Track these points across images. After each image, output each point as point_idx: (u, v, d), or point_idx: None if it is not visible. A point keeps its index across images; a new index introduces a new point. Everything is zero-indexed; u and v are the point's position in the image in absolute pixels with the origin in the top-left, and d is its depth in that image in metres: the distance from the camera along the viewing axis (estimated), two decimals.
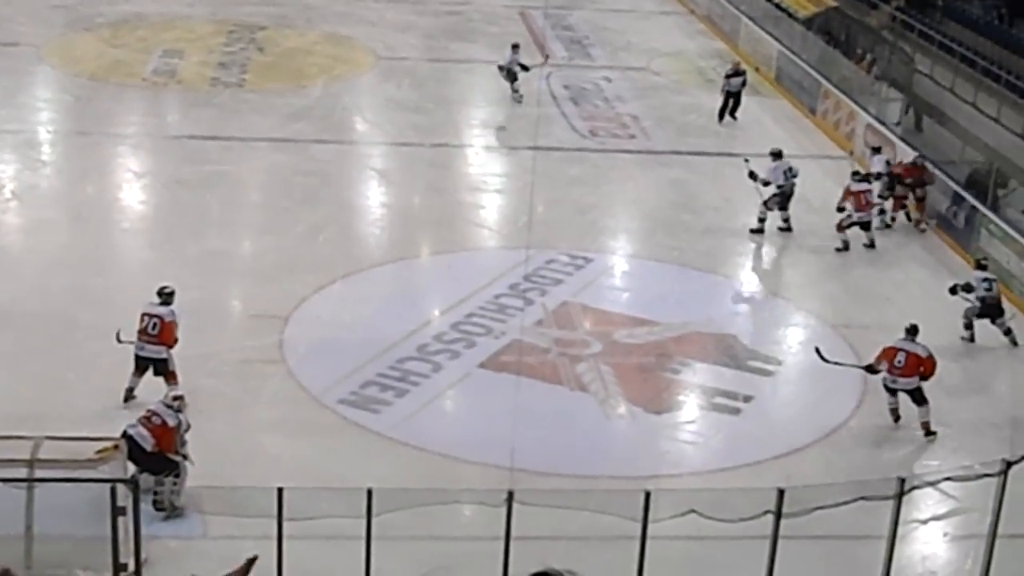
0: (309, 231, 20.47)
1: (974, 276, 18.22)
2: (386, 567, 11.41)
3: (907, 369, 15.44)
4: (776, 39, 31.02)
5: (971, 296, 17.96)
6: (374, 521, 11.00)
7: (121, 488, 11.03)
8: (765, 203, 21.21)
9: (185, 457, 13.17)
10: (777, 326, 18.59)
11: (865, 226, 20.85)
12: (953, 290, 18.07)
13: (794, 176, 21.38)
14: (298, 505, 10.97)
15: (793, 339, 18.27)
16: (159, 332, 15.02)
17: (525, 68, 27.01)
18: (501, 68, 27.21)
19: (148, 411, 13.32)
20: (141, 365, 15.08)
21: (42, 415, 14.20)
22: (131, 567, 10.66)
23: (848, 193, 20.92)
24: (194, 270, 18.70)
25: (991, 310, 17.99)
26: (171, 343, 15.06)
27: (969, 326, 17.98)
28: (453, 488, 13.12)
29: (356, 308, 18.10)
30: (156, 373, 15.08)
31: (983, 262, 18.63)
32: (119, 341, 15.01)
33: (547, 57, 28.87)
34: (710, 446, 15.36)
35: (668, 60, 31.88)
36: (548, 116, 26.16)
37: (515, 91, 26.95)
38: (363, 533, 11.01)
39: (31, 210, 21.10)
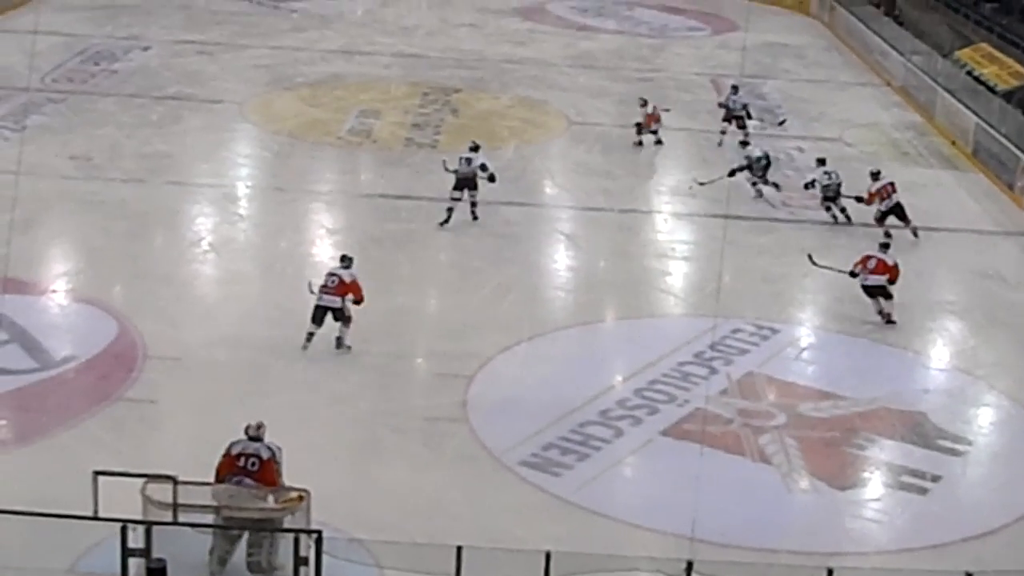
0: (496, 292, 20.64)
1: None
2: None
3: (876, 270, 19.87)
4: (974, 112, 30.42)
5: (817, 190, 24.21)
6: None
7: (303, 539, 11.19)
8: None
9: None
10: (968, 405, 18.10)
11: None
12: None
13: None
14: (476, 564, 10.99)
15: (985, 419, 17.78)
16: (336, 286, 18.04)
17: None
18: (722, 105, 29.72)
19: (245, 456, 13.12)
20: (319, 314, 18.02)
21: None
22: None
23: None
24: (382, 326, 18.97)
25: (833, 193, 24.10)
26: (359, 297, 18.14)
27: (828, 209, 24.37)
28: (632, 555, 13.02)
29: (540, 370, 18.14)
30: (335, 319, 18.06)
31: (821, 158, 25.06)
32: (312, 292, 18.09)
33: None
34: (895, 525, 14.98)
35: (861, 131, 31.49)
36: (738, 184, 26.00)
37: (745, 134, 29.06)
38: None
39: (227, 262, 21.64)
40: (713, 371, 18.17)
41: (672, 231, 24.39)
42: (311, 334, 18.02)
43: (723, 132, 29.05)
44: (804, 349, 19.71)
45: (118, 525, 10.42)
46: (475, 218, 23.31)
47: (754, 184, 25.57)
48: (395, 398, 17.03)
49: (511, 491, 15.05)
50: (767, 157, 25.61)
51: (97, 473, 13.02)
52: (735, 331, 19.46)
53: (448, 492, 14.90)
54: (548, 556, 10.87)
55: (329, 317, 18.09)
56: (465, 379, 17.47)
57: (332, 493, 13.64)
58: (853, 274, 19.97)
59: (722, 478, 15.27)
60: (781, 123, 30.78)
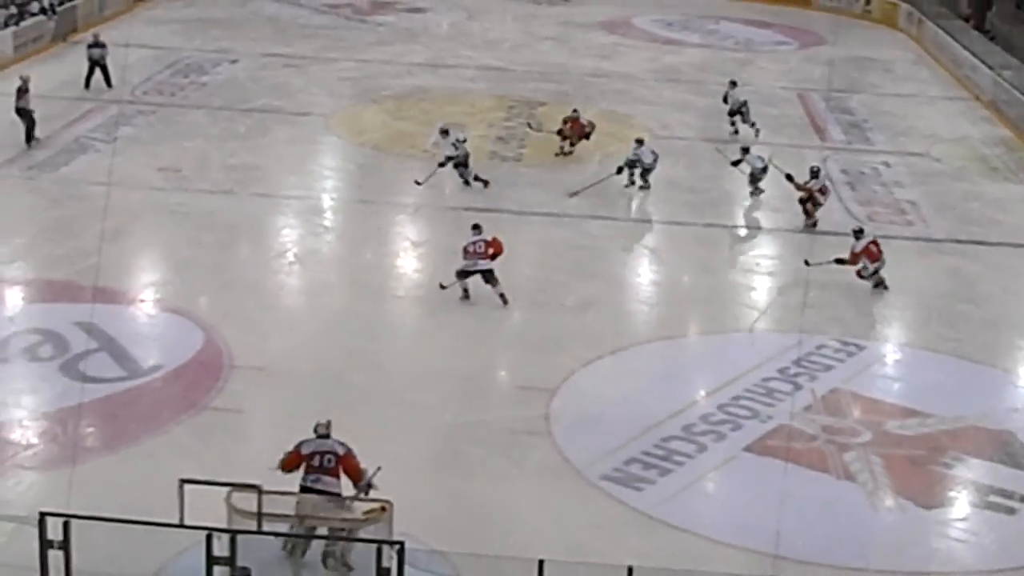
0: (579, 305, 20.65)
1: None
2: None
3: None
4: None
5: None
6: None
7: (386, 550, 11.23)
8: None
9: (370, 486, 13.19)
10: None
11: None
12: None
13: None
14: None
15: None
16: (484, 249, 20.17)
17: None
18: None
19: (320, 454, 13.32)
20: (463, 276, 20.16)
21: None
22: None
23: None
24: (465, 339, 19.08)
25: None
26: (501, 251, 20.25)
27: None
28: (714, 571, 12.96)
29: (623, 384, 18.11)
30: (486, 281, 20.10)
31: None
32: (443, 287, 20.10)
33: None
34: (983, 545, 14.78)
35: (950, 146, 31.15)
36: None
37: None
38: None
39: (312, 273, 21.81)
40: (797, 387, 18.05)
41: (757, 246, 24.28)
42: (465, 290, 20.27)
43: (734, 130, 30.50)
44: (890, 366, 19.54)
45: (203, 533, 10.51)
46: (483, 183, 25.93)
47: (641, 187, 26.30)
48: (478, 410, 17.09)
49: (593, 505, 15.03)
50: (652, 164, 26.22)
51: (183, 481, 13.15)
52: (820, 347, 19.32)
53: (530, 505, 14.92)
54: (630, 571, 10.84)
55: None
56: (548, 392, 17.48)
57: (414, 504, 13.71)
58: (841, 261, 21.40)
59: (806, 495, 15.18)
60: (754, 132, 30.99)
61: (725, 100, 30.88)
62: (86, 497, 13.04)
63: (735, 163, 26.31)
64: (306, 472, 13.36)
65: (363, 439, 15.83)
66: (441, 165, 25.58)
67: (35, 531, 10.04)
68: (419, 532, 13.21)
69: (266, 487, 12.83)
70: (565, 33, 42.15)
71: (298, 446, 13.55)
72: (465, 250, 20.33)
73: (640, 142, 26.57)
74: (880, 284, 21.60)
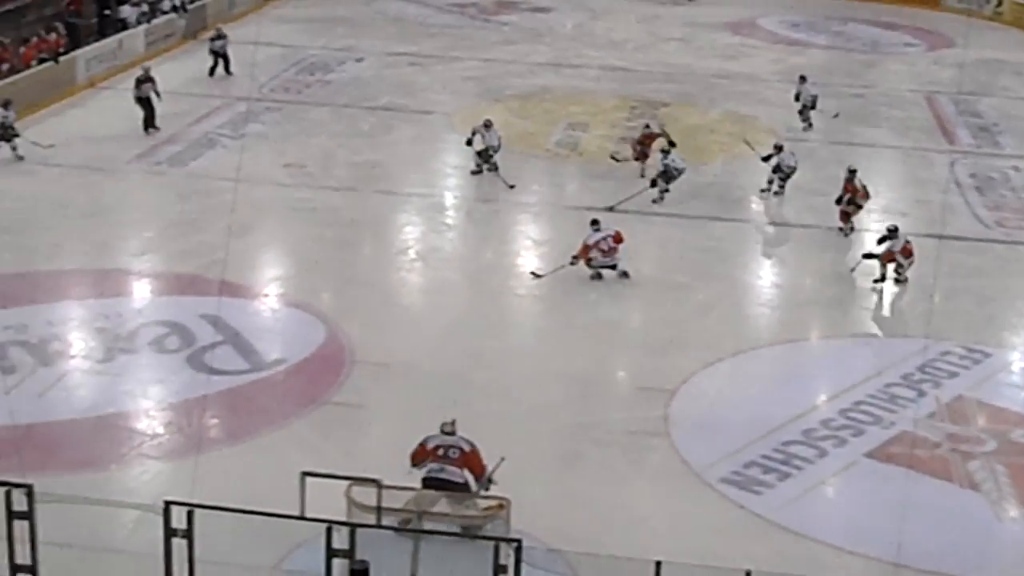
0: (700, 307, 20.54)
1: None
2: None
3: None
4: None
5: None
6: None
7: (503, 547, 11.24)
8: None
9: (490, 480, 13.49)
10: None
11: None
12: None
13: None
14: None
15: None
16: (612, 245, 21.24)
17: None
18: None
19: (444, 447, 13.67)
20: (598, 276, 21.20)
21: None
22: None
23: None
24: (585, 339, 19.06)
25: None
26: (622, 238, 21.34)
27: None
28: None
29: (743, 387, 17.98)
30: (614, 268, 21.32)
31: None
32: (536, 276, 20.95)
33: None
34: None
35: None
36: (951, 204, 25.47)
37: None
38: None
39: (433, 271, 21.93)
40: (921, 393, 17.79)
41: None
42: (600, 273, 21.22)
43: (806, 123, 30.77)
44: (1016, 374, 19.18)
45: (323, 526, 10.60)
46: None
47: (776, 192, 26.08)
48: (596, 411, 17.07)
49: (711, 508, 14.96)
50: (793, 168, 25.94)
51: (304, 474, 13.31)
52: (945, 353, 19.02)
53: (647, 506, 14.89)
54: (748, 575, 10.75)
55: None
56: (667, 393, 17.42)
57: (532, 503, 13.74)
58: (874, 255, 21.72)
59: (928, 503, 14.95)
60: (835, 116, 31.41)
61: (797, 98, 30.89)
62: (209, 487, 13.23)
63: (765, 159, 26.06)
64: (432, 460, 13.73)
65: (482, 437, 15.90)
66: (481, 156, 26.30)
67: (159, 519, 10.19)
68: (536, 531, 13.24)
69: (386, 482, 12.94)
70: (690, 33, 41.93)
71: (423, 441, 13.86)
72: (597, 247, 21.17)
73: (779, 148, 26.23)
74: (901, 280, 21.66)
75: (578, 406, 17.19)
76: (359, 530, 10.68)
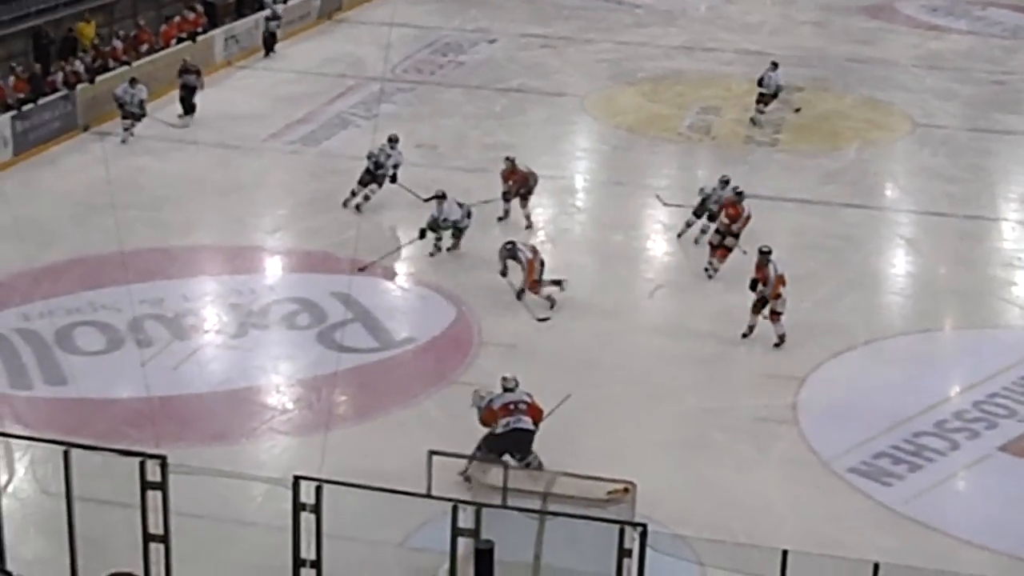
0: (832, 294, 20.28)
1: None
2: None
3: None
4: None
5: None
6: None
7: (628, 531, 11.22)
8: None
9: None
10: None
11: None
12: None
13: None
14: (801, 569, 10.81)
15: None
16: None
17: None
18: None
19: (513, 403, 14.43)
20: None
21: (552, 449, 14.69)
22: None
23: None
24: (714, 324, 18.92)
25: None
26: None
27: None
28: (964, 573, 12.59)
29: (874, 376, 17.73)
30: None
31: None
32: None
33: None
34: None
35: None
36: None
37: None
38: None
39: (563, 253, 21.87)
40: None
41: (1020, 239, 23.44)
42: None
43: (759, 111, 29.10)
44: None
45: (449, 505, 10.65)
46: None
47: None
48: (724, 397, 16.97)
49: (839, 497, 14.79)
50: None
51: (432, 453, 13.43)
52: None
53: (774, 494, 14.76)
54: (876, 567, 10.59)
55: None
56: (796, 381, 17.25)
57: (657, 487, 13.71)
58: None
59: None
60: (796, 111, 30.11)
61: (760, 82, 29.22)
62: (337, 463, 13.37)
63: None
64: (505, 416, 14.30)
65: (608, 420, 15.98)
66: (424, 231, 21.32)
67: (288, 494, 10.31)
68: (661, 515, 13.18)
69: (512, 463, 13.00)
70: (825, 17, 41.36)
71: (490, 403, 14.47)
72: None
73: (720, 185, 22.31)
74: (781, 311, 18.35)
75: (705, 391, 17.09)
76: (484, 509, 10.71)
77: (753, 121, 28.87)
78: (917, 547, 13.72)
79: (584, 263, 21.63)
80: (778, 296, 18.34)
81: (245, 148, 26.56)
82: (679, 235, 22.43)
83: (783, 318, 18.39)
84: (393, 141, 23.67)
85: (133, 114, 26.48)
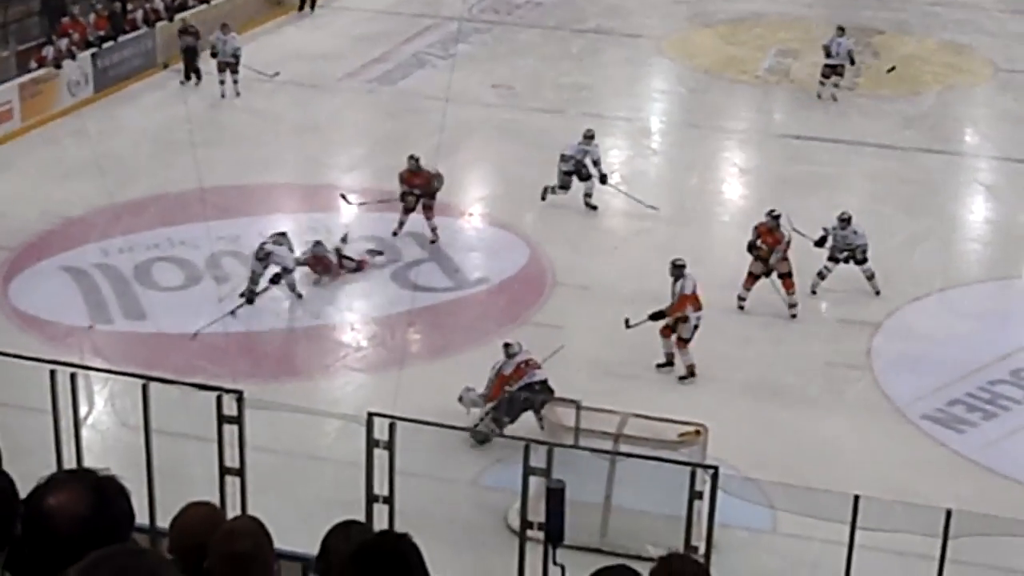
0: (908, 241, 20.10)
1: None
2: None
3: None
4: None
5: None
6: (949, 544, 10.67)
7: (700, 473, 11.26)
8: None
9: None
10: None
11: None
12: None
13: None
14: (873, 515, 10.81)
15: None
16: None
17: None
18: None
19: (523, 362, 14.54)
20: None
21: (622, 392, 14.73)
22: (701, 550, 10.85)
23: None
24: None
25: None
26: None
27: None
28: None
29: (950, 323, 17.60)
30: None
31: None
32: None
33: None
34: None
35: None
36: None
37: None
38: (936, 553, 10.70)
39: (638, 195, 21.81)
40: None
41: None
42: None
43: (821, 83, 26.45)
44: None
45: (521, 444, 10.72)
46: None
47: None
48: (797, 341, 16.91)
49: (912, 444, 14.74)
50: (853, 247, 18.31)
51: (506, 392, 13.50)
52: None
53: (847, 440, 14.73)
54: (948, 514, 10.56)
55: None
56: (871, 327, 17.16)
57: (729, 431, 13.70)
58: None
59: None
60: (890, 70, 27.74)
61: (828, 53, 26.44)
62: (410, 401, 13.46)
63: (818, 242, 18.36)
64: (520, 377, 14.38)
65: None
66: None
67: (362, 430, 10.41)
68: (732, 458, 13.18)
69: (585, 403, 13.04)
70: None
71: (499, 371, 14.44)
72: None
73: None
74: (688, 338, 16.08)
75: (779, 335, 17.05)
76: (556, 449, 10.77)
77: (819, 96, 26.39)
78: (990, 495, 13.64)
79: (660, 204, 21.53)
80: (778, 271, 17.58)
81: (322, 87, 26.64)
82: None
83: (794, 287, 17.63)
84: (589, 137, 21.00)
85: (228, 64, 25.62)
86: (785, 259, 17.50)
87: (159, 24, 27.33)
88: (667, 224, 20.65)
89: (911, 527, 11.22)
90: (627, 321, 16.07)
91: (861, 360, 16.40)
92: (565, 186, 20.73)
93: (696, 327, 15.97)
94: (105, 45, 25.86)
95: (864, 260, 17.95)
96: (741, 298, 17.72)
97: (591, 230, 20.24)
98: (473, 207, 21.07)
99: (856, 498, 10.63)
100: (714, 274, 18.64)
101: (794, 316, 17.47)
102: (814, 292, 17.98)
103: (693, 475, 10.88)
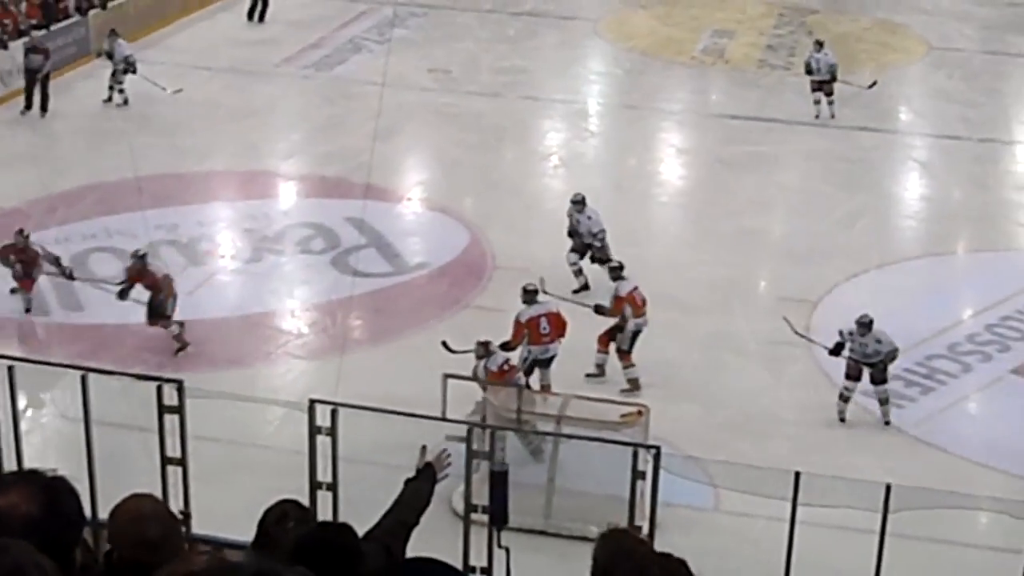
0: (845, 218, 20.26)
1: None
2: (896, 565, 11.16)
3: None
4: None
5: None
6: (889, 518, 10.76)
7: (642, 453, 11.32)
8: None
9: None
10: None
11: None
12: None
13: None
14: (813, 491, 10.89)
15: None
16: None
17: None
18: None
19: (542, 319, 14.74)
20: None
21: (565, 372, 14.77)
22: (645, 529, 10.90)
23: None
24: (727, 248, 18.94)
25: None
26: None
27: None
28: (975, 494, 12.69)
29: (887, 299, 17.68)
30: None
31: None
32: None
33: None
34: None
35: None
36: None
37: None
38: (876, 527, 10.80)
39: (576, 178, 21.83)
40: None
41: None
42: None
43: (816, 102, 24.14)
44: None
45: (464, 428, 10.73)
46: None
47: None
48: (737, 319, 17.00)
49: (851, 420, 14.84)
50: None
51: (447, 376, 13.49)
52: None
53: (787, 417, 14.84)
54: (888, 488, 10.67)
55: None
56: (810, 304, 17.28)
57: (671, 410, 13.79)
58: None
59: None
60: (871, 85, 24.91)
61: (808, 70, 24.28)
62: (352, 387, 13.44)
63: (833, 350, 15.10)
64: (537, 343, 14.56)
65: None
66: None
67: (304, 417, 10.38)
68: (674, 438, 13.26)
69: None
70: None
71: (516, 318, 14.66)
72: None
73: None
74: (627, 349, 15.37)
75: (719, 314, 17.13)
76: (499, 433, 10.80)
77: (817, 116, 24.03)
78: (929, 469, 13.80)
79: (598, 187, 21.54)
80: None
81: (258, 73, 26.49)
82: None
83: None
84: (578, 203, 18.16)
85: (117, 71, 24.13)
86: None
87: (91, 12, 27.05)
88: (606, 204, 20.64)
89: (852, 502, 11.31)
90: (445, 343, 14.81)
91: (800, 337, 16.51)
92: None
93: (635, 335, 15.33)
94: (36, 34, 25.56)
95: (883, 375, 14.66)
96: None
97: (531, 212, 20.25)
98: (412, 191, 21.05)
99: (797, 474, 10.70)
100: (653, 254, 18.76)
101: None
102: (842, 420, 14.82)
103: (635, 455, 10.91)
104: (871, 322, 14.57)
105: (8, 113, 23.57)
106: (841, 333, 14.84)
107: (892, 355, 14.62)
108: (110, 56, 24.33)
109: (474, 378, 13.98)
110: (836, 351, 14.79)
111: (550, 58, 28.30)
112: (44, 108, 23.50)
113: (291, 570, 1.81)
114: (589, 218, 17.71)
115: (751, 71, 27.19)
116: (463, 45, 28.82)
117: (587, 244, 17.67)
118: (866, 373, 14.66)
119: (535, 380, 14.73)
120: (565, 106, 25.14)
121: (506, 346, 14.55)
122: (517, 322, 14.85)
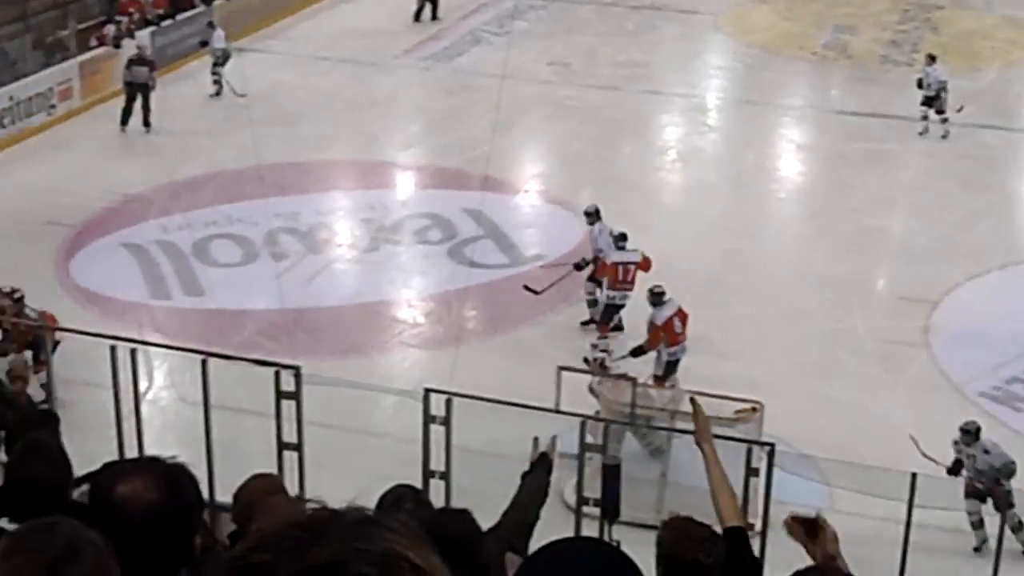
0: (967, 217, 19.94)
1: None
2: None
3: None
4: None
5: None
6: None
7: (756, 450, 11.24)
8: None
9: None
10: None
11: None
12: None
13: None
14: (929, 492, 10.77)
15: None
16: None
17: None
18: None
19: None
20: None
21: (680, 368, 14.72)
22: (757, 527, 10.83)
23: None
24: (845, 245, 18.74)
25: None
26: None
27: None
28: None
29: (1010, 301, 17.45)
30: None
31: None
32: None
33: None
34: None
35: None
36: None
37: None
38: (995, 532, 10.65)
39: (693, 172, 21.81)
40: None
41: None
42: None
43: (924, 117, 22.82)
44: None
45: (577, 420, 10.73)
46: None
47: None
48: (855, 318, 16.82)
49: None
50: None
51: (561, 368, 13.50)
52: None
53: (904, 417, 14.64)
54: (1009, 493, 10.53)
55: None
56: (929, 304, 17.04)
57: (786, 408, 13.68)
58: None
59: None
60: (959, 110, 22.97)
61: (920, 84, 23.11)
62: (467, 377, 13.50)
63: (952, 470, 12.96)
64: (674, 344, 14.46)
65: (737, 339, 15.93)
66: None
67: (419, 406, 10.44)
68: (789, 435, 13.15)
69: (640, 380, 13.05)
70: None
71: (651, 321, 14.63)
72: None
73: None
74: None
75: (836, 312, 16.97)
76: (612, 426, 10.80)
77: (921, 132, 22.83)
78: None
79: (715, 181, 21.51)
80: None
81: (378, 64, 26.69)
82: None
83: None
84: (589, 213, 17.25)
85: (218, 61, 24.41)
86: None
87: (216, 2, 27.43)
88: (723, 199, 20.59)
89: (968, 506, 11.17)
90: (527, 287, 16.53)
91: (919, 337, 16.30)
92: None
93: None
94: (164, 23, 26.01)
95: (1008, 497, 12.06)
96: None
97: (647, 206, 20.20)
98: (529, 184, 21.09)
99: (914, 476, 10.58)
100: (769, 250, 18.64)
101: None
102: (977, 550, 12.34)
103: (749, 452, 10.83)
104: (978, 430, 12.74)
105: None
106: (956, 448, 12.87)
107: (1007, 470, 12.49)
108: (204, 44, 24.79)
109: (588, 369, 14.01)
110: (955, 470, 12.76)
111: (670, 52, 28.19)
112: (147, 123, 22.52)
113: (394, 517, 1.81)
114: (600, 232, 16.74)
115: (873, 67, 26.85)
116: (582, 38, 28.80)
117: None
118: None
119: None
120: (684, 100, 25.03)
121: (640, 350, 14.48)
122: (652, 325, 14.71)
